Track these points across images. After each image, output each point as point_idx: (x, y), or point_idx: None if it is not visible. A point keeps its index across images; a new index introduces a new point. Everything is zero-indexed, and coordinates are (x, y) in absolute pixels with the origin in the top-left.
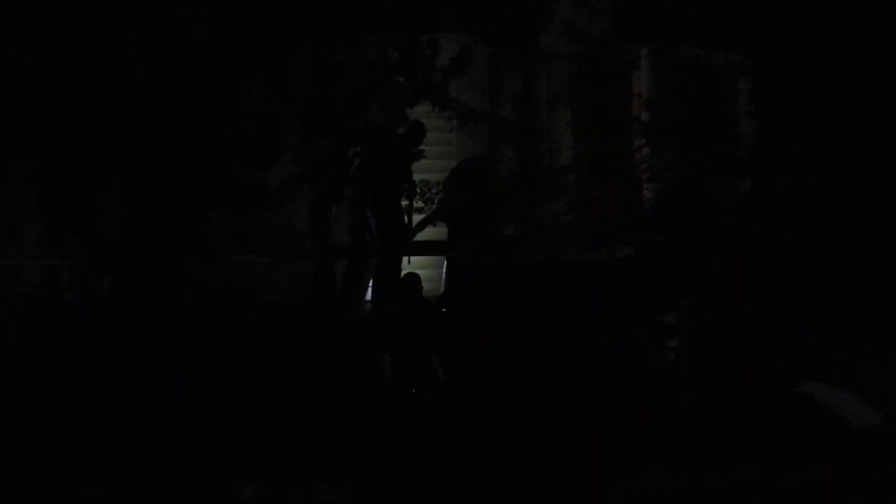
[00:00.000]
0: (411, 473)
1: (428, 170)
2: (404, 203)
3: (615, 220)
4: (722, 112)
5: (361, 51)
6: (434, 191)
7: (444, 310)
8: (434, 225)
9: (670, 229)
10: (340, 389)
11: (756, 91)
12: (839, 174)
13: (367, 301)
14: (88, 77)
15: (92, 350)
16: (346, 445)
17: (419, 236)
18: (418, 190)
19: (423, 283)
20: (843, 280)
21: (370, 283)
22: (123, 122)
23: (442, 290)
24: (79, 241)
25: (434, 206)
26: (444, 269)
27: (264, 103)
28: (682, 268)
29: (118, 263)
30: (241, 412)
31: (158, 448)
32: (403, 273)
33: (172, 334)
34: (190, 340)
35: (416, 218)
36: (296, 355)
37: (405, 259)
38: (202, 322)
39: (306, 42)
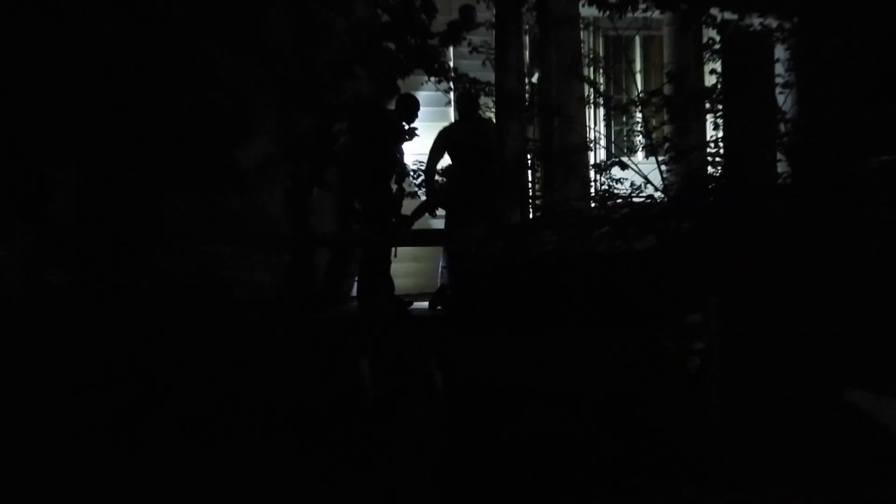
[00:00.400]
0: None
1: (423, 150)
2: (395, 187)
3: (634, 206)
4: (755, 84)
5: (347, 11)
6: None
7: (439, 307)
8: (433, 215)
9: (697, 216)
10: (317, 403)
11: (795, 60)
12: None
13: (353, 298)
14: (27, 35)
15: (40, 354)
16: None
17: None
18: (411, 172)
19: (417, 279)
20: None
21: (356, 279)
22: (71, 88)
23: (438, 284)
24: (27, 228)
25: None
26: (442, 263)
27: (235, 70)
28: (710, 260)
29: (70, 255)
30: (202, 428)
31: (108, 468)
32: None
33: (126, 337)
34: (146, 344)
35: (410, 204)
36: (267, 364)
37: (392, 252)
38: (161, 323)
39: None
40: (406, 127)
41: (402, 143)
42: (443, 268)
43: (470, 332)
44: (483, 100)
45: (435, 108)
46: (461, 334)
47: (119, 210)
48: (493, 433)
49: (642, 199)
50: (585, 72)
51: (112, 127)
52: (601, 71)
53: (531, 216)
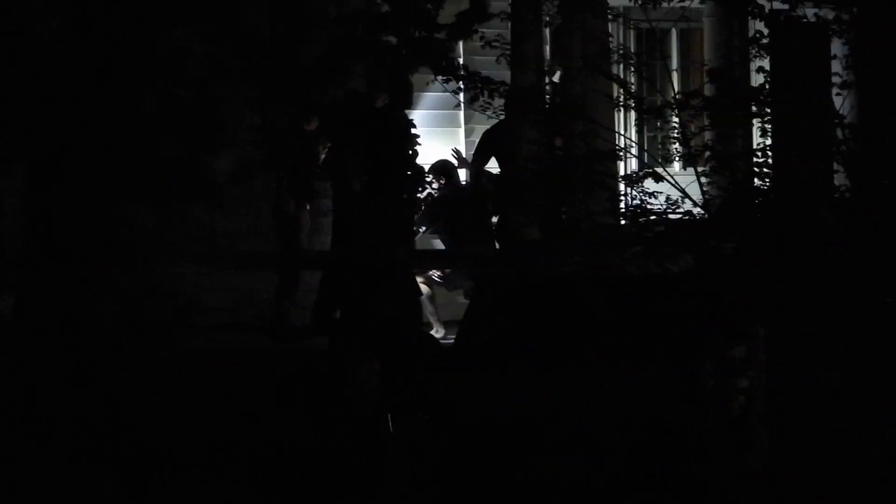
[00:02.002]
0: None
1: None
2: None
3: (669, 222)
4: (809, 84)
5: None
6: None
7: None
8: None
9: (741, 235)
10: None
11: (854, 56)
12: None
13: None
14: None
15: None
16: None
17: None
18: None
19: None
20: None
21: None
22: (19, 84)
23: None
24: None
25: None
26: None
27: (206, 61)
28: (756, 285)
29: (17, 275)
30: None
31: None
32: None
33: (77, 370)
34: (100, 379)
35: None
36: (239, 405)
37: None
38: (118, 354)
39: None
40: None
41: (410, 150)
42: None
43: (478, 366)
44: (497, 102)
45: (443, 113)
46: (468, 369)
47: (69, 221)
48: (507, 481)
49: (679, 216)
50: (614, 69)
51: (60, 126)
52: (632, 68)
53: (550, 233)
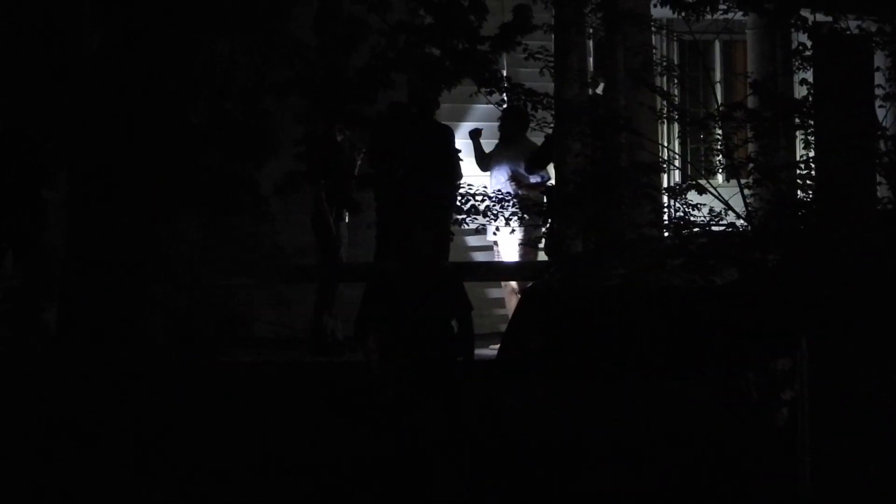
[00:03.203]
0: None
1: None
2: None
3: (713, 235)
4: (852, 96)
5: (382, 8)
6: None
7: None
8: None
9: (786, 247)
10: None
11: None
12: None
13: None
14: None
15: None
16: None
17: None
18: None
19: None
20: None
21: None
22: (66, 97)
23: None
24: (17, 258)
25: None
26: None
27: (253, 74)
28: (800, 297)
29: (64, 288)
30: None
31: None
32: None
33: (128, 385)
34: (150, 393)
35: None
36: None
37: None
38: (169, 368)
39: None
40: None
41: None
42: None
43: (523, 376)
44: (541, 114)
45: (487, 124)
46: (513, 379)
47: (115, 234)
48: (551, 493)
49: (722, 228)
50: (657, 81)
51: (106, 139)
52: (675, 80)
53: (594, 245)
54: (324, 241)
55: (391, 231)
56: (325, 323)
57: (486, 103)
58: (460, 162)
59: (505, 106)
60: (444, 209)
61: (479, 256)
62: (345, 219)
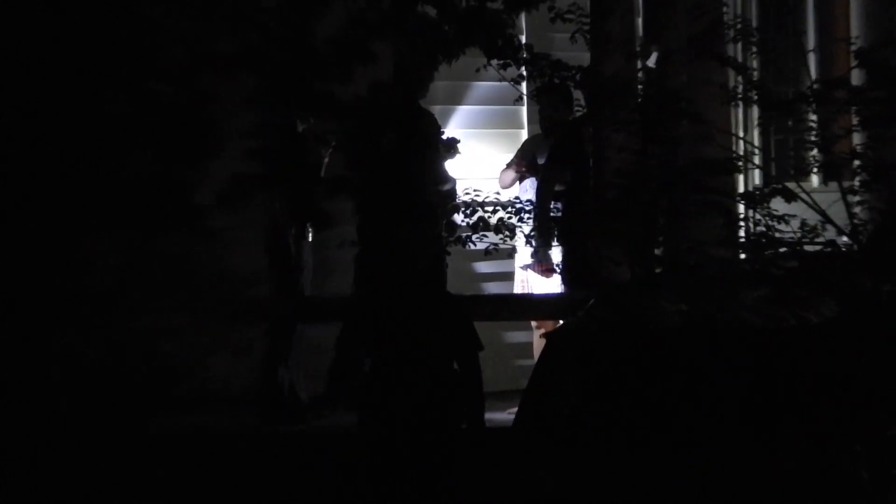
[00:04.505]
0: None
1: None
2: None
3: (806, 256)
4: None
5: None
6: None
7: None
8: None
9: None
10: None
11: None
12: None
13: None
14: None
15: None
16: None
17: None
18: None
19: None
20: None
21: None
22: None
23: None
24: None
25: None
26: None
27: (188, 46)
28: None
29: None
30: None
31: None
32: None
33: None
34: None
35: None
36: None
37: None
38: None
39: None
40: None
41: (448, 160)
42: None
43: (552, 442)
44: (574, 94)
45: (498, 108)
46: (539, 446)
47: (4, 263)
48: None
49: (818, 247)
50: (730, 50)
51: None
52: (754, 49)
53: (647, 270)
54: (279, 266)
55: (375, 250)
56: (280, 377)
57: (499, 80)
58: (449, 159)
59: (539, 85)
60: (435, 220)
61: (493, 287)
62: (307, 236)
